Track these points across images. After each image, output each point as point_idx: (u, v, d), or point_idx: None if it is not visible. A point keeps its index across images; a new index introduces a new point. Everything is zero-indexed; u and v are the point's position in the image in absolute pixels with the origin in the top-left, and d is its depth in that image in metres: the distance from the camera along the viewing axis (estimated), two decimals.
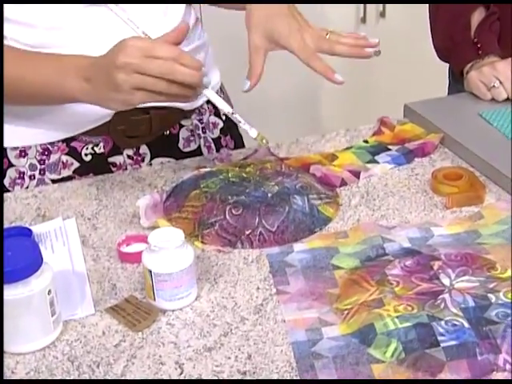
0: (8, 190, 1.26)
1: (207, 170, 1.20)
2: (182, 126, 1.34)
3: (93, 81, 1.07)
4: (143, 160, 1.30)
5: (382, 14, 2.57)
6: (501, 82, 1.37)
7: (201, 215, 1.09)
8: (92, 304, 0.98)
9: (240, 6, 1.21)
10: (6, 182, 1.27)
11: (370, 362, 0.86)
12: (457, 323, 0.89)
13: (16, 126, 1.25)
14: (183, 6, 1.28)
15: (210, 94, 1.09)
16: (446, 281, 0.95)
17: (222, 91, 1.43)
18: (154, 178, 1.25)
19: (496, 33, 1.47)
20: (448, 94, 1.64)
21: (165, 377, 0.87)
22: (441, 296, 0.93)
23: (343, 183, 1.20)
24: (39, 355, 0.90)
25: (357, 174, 1.22)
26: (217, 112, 1.40)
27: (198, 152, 1.35)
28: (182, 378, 0.86)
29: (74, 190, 1.22)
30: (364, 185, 1.20)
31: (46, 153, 1.27)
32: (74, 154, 1.27)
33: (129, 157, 1.30)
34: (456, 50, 1.48)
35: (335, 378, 0.85)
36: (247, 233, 1.07)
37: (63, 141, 1.26)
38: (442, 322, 0.89)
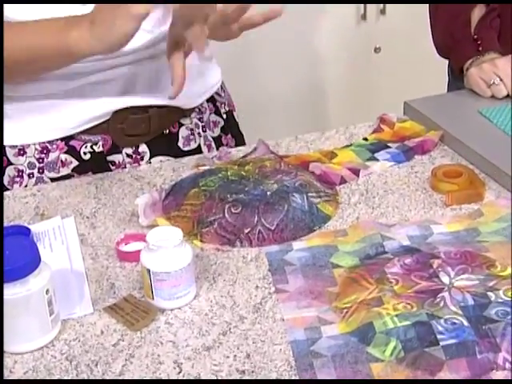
0: (7, 189, 1.26)
1: (206, 168, 1.19)
2: (181, 125, 1.34)
3: (96, 18, 1.07)
4: (142, 159, 1.30)
5: (383, 11, 2.57)
6: (501, 79, 1.37)
7: (200, 214, 1.09)
8: (90, 303, 0.97)
9: None
10: (5, 180, 1.27)
11: (369, 360, 0.86)
12: (456, 322, 0.88)
13: (15, 124, 1.25)
14: None
15: None
16: (445, 279, 0.95)
17: (222, 89, 1.42)
18: (153, 177, 1.24)
19: (496, 30, 1.47)
20: (448, 91, 1.64)
21: (163, 376, 0.87)
22: (440, 294, 0.92)
23: (343, 181, 1.20)
24: (37, 354, 0.90)
25: (356, 172, 1.21)
26: (217, 111, 1.40)
27: (197, 151, 1.35)
28: (180, 377, 0.86)
29: (72, 188, 1.22)
30: (363, 183, 1.20)
31: (45, 151, 1.26)
32: (73, 152, 1.27)
33: (128, 156, 1.29)
34: (456, 46, 1.47)
35: (334, 377, 0.84)
36: (246, 231, 1.06)
37: (62, 139, 1.26)
38: (442, 321, 0.88)
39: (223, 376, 0.86)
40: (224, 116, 1.41)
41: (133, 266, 1.03)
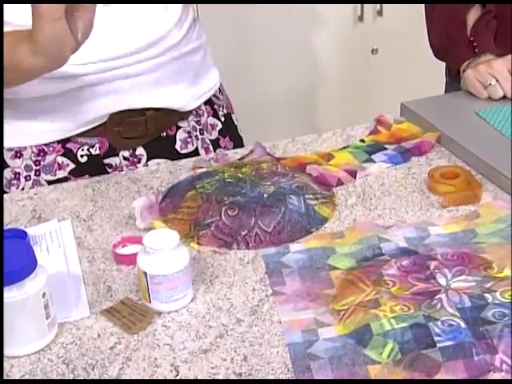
0: (4, 192, 1.26)
1: (203, 170, 1.19)
2: (178, 128, 1.34)
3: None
4: (139, 161, 1.30)
5: (380, 13, 2.57)
6: (497, 80, 1.37)
7: (196, 216, 1.09)
8: (87, 306, 0.97)
9: None
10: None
11: (366, 362, 0.86)
12: (453, 323, 0.88)
13: (11, 126, 1.25)
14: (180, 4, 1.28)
15: None
16: (442, 281, 0.95)
17: (220, 92, 1.42)
18: (149, 179, 1.24)
19: (492, 31, 1.47)
20: (445, 92, 1.64)
21: (160, 379, 0.86)
22: (437, 296, 0.92)
23: (339, 183, 1.20)
24: (34, 358, 0.90)
25: (353, 174, 1.21)
26: (215, 113, 1.40)
27: (195, 154, 1.35)
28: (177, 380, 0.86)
29: (69, 191, 1.22)
30: (360, 184, 1.20)
31: (42, 154, 1.26)
32: (70, 155, 1.27)
33: (125, 158, 1.29)
34: (452, 48, 1.47)
35: (331, 379, 0.84)
36: (243, 233, 1.06)
37: (59, 142, 1.26)
38: (439, 323, 0.88)
39: (220, 379, 0.86)
40: (222, 119, 1.41)
41: (130, 269, 1.03)
